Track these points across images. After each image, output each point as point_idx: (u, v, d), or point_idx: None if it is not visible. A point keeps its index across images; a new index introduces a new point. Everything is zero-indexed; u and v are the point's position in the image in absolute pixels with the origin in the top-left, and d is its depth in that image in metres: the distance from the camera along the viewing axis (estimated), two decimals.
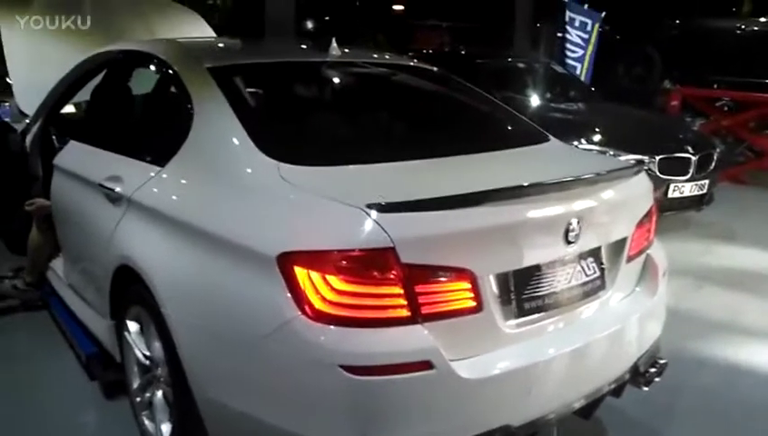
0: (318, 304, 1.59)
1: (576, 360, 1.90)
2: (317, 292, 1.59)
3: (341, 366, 1.55)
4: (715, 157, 5.63)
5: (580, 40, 8.61)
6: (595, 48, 8.65)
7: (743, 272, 4.63)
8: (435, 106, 2.78)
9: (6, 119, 4.64)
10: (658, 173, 5.18)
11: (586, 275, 2.01)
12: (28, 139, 3.71)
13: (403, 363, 1.58)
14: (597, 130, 5.50)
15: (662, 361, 2.29)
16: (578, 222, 1.90)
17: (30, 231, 3.38)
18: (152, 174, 2.20)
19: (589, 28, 8.67)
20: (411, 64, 2.95)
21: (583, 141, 5.25)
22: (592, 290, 2.04)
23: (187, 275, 1.92)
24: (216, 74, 2.25)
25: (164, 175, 2.16)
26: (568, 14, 8.61)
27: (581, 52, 8.55)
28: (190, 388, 1.90)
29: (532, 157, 2.38)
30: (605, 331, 2.01)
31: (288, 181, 1.79)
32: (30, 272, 3.51)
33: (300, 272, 1.59)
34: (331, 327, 1.58)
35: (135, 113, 2.73)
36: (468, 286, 1.70)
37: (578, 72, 8.46)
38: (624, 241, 2.14)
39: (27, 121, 3.73)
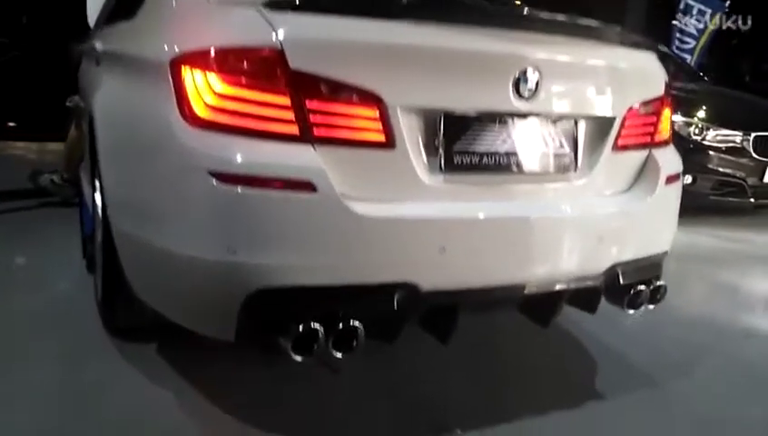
0: (199, 108, 1.45)
1: (511, 234, 1.61)
2: (199, 94, 1.45)
3: (211, 172, 1.40)
4: None
5: (694, 30, 7.86)
6: (711, 40, 7.85)
7: None
8: None
9: None
10: (753, 153, 4.55)
11: (547, 146, 1.71)
12: None
13: (279, 178, 1.40)
14: (693, 105, 4.91)
15: (658, 284, 1.91)
16: (537, 73, 1.61)
17: None
18: (121, 27, 2.19)
19: (707, 18, 7.89)
20: None
21: (678, 113, 4.70)
22: (555, 167, 1.73)
23: (113, 106, 1.89)
24: None
25: (127, 24, 2.13)
26: (685, 0, 7.89)
27: (692, 43, 7.79)
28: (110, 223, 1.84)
29: None
30: (562, 214, 1.69)
31: None
32: (66, 167, 3.68)
33: (185, 73, 1.47)
34: (208, 132, 1.44)
35: None
36: (375, 114, 1.48)
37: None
38: (610, 121, 1.81)
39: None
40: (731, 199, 4.63)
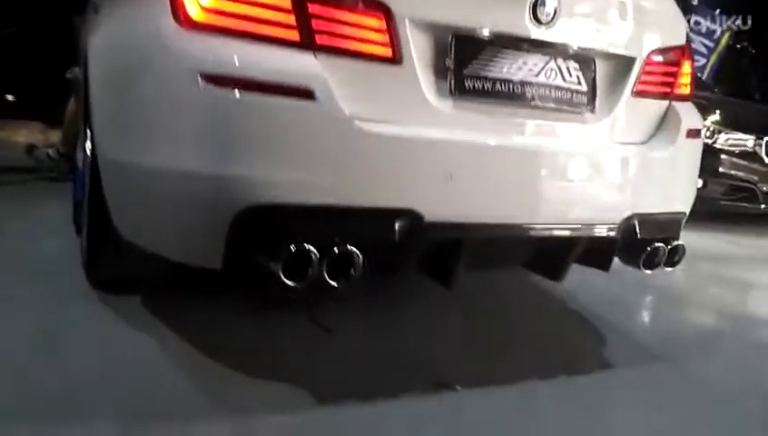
0: (194, 10, 1.35)
1: (522, 167, 1.51)
2: None
3: (201, 74, 1.29)
4: None
5: (703, 48, 7.81)
6: (721, 58, 7.80)
7: None
8: None
9: None
10: (765, 158, 4.44)
11: (564, 80, 1.61)
12: None
13: (275, 83, 1.29)
14: (705, 110, 4.81)
15: (676, 243, 1.79)
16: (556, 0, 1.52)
17: None
18: None
19: (716, 36, 7.86)
20: None
21: None
22: (571, 104, 1.63)
23: (106, 33, 1.79)
24: None
25: None
26: (694, 17, 7.87)
27: (702, 61, 7.73)
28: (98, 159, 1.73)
29: None
30: (577, 153, 1.59)
31: None
32: (63, 141, 3.59)
33: None
34: (202, 35, 1.33)
35: None
36: (381, 25, 1.38)
37: None
38: (630, 63, 1.71)
39: None
40: (742, 204, 4.50)
